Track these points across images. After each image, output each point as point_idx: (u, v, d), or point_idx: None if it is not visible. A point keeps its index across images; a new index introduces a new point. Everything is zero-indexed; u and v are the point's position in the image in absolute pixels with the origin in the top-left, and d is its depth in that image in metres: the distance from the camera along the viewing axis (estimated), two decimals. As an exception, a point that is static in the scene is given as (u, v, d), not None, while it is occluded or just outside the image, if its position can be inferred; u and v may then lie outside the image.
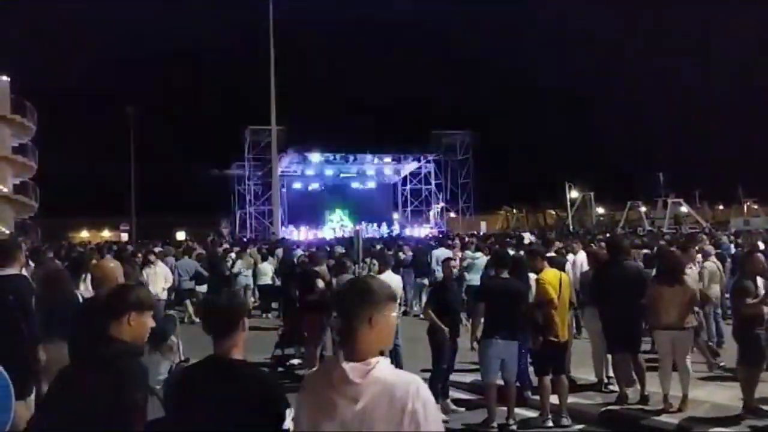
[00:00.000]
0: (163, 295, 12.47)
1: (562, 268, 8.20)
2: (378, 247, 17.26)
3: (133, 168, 44.26)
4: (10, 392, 3.71)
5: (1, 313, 5.18)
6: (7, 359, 4.05)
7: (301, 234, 38.10)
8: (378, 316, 2.26)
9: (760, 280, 6.99)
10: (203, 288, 15.39)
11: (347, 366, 2.20)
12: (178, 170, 70.75)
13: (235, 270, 16.38)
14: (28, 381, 5.09)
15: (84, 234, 59.81)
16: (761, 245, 14.45)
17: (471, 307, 8.23)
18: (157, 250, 18.32)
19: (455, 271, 10.21)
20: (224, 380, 2.70)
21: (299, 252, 16.38)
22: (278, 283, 15.13)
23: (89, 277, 7.06)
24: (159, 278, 12.42)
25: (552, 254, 9.73)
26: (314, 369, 2.67)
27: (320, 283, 9.22)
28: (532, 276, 7.51)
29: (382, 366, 2.21)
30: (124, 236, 44.62)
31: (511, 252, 10.57)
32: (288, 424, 2.54)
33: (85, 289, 6.85)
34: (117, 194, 50.35)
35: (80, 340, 3.80)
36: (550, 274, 7.10)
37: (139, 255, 14.27)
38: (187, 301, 14.65)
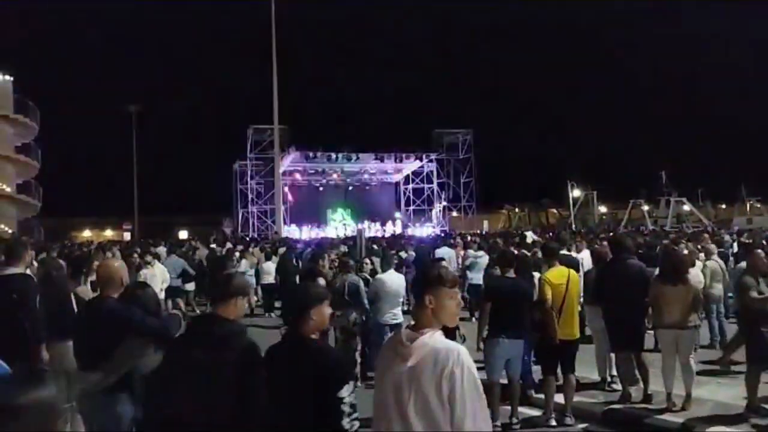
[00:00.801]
0: (161, 296, 12.00)
1: (575, 267, 8.18)
2: (375, 246, 17.22)
3: (135, 167, 44.36)
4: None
5: (4, 312, 5.20)
6: (11, 357, 4.06)
7: (303, 233, 38.11)
8: (433, 297, 2.77)
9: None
10: (191, 286, 15.60)
11: (404, 332, 2.77)
12: (180, 169, 70.86)
13: (240, 269, 16.39)
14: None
15: (87, 233, 59.87)
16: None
17: (473, 306, 8.23)
18: (160, 249, 18.38)
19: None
20: (299, 354, 3.20)
21: (308, 250, 16.39)
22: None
23: (90, 276, 7.12)
24: (157, 279, 12.12)
25: (566, 252, 9.71)
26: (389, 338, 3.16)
27: (321, 282, 9.23)
28: (536, 275, 7.50)
29: (433, 334, 2.70)
30: (127, 236, 44.70)
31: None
32: (345, 392, 3.03)
33: (85, 289, 6.88)
34: (120, 193, 50.47)
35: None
36: (555, 273, 7.08)
37: (135, 255, 13.90)
38: (178, 300, 14.62)
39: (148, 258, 13.04)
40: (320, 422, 3.03)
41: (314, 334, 3.32)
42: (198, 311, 12.78)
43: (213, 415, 3.05)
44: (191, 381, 3.11)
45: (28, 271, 5.93)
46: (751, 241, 14.89)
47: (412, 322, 2.81)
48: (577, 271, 8.18)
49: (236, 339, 3.29)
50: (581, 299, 7.95)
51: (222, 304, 3.45)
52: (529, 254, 9.98)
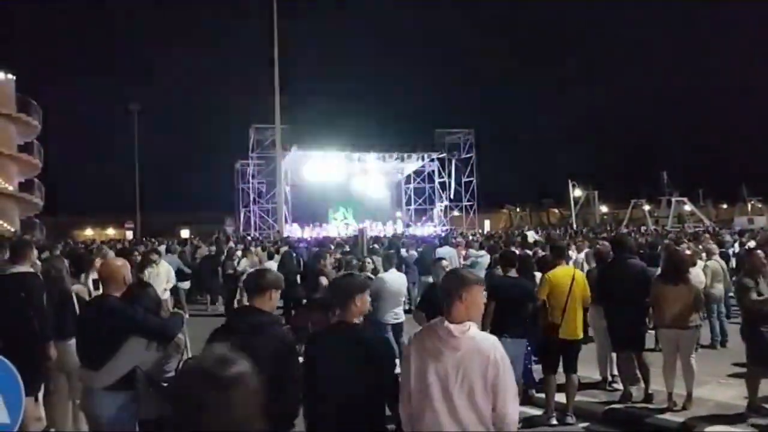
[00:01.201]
0: (165, 296, 11.77)
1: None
2: (377, 246, 17.22)
3: (137, 166, 44.41)
4: (20, 389, 3.75)
5: (11, 310, 5.22)
6: (17, 355, 4.09)
7: (305, 232, 38.11)
8: (466, 295, 3.24)
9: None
10: (186, 284, 15.61)
11: (451, 326, 3.18)
12: (182, 168, 70.88)
13: (240, 268, 16.41)
14: (38, 377, 5.13)
15: (89, 232, 59.96)
16: (752, 243, 14.46)
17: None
18: (162, 248, 18.39)
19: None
20: (348, 338, 3.62)
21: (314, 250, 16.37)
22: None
23: (91, 275, 7.14)
24: (161, 278, 11.92)
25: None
26: (419, 330, 3.50)
27: (324, 281, 9.25)
28: (538, 275, 7.50)
29: (474, 328, 3.22)
30: (129, 234, 44.73)
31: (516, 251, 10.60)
32: (398, 369, 3.46)
33: (82, 288, 6.89)
34: (122, 192, 50.51)
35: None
36: (559, 272, 7.09)
37: (137, 254, 13.65)
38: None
39: (154, 257, 12.66)
40: (378, 398, 3.48)
41: (357, 319, 3.74)
42: (187, 313, 12.34)
43: None
44: None
45: (32, 270, 5.95)
46: (754, 243, 14.90)
47: (446, 318, 3.25)
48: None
49: (270, 328, 3.73)
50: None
51: (258, 296, 3.88)
52: (530, 254, 10.00)
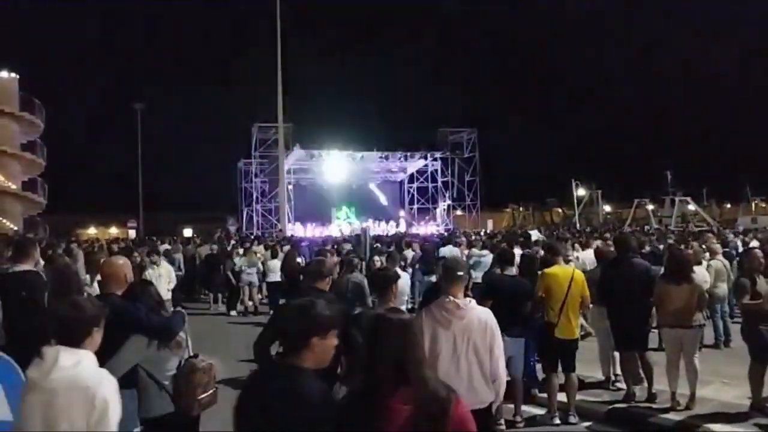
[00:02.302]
0: (167, 297, 11.12)
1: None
2: (380, 245, 17.22)
3: (140, 165, 44.46)
4: (23, 386, 3.74)
5: (15, 309, 5.22)
6: (21, 354, 4.08)
7: (307, 231, 38.13)
8: (466, 277, 4.58)
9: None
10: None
11: (458, 300, 4.30)
12: (185, 167, 70.96)
13: (236, 268, 16.45)
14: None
15: (92, 231, 60.02)
16: (754, 243, 14.44)
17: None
18: (164, 247, 18.40)
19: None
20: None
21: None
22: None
23: (97, 276, 7.13)
24: (163, 279, 11.71)
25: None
26: (430, 306, 4.39)
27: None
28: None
29: (473, 302, 4.38)
30: (132, 233, 44.80)
31: (519, 250, 10.58)
32: None
33: (91, 289, 6.91)
34: (125, 191, 50.59)
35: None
36: (556, 271, 7.07)
37: (136, 254, 13.50)
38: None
39: (155, 258, 12.52)
40: None
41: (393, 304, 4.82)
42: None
43: None
44: None
45: (36, 268, 5.94)
46: (757, 243, 14.86)
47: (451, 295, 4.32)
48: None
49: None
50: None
51: (320, 280, 5.09)
52: (535, 253, 9.97)
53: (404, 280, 9.04)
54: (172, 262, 16.04)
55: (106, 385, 2.92)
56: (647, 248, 12.58)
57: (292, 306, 2.77)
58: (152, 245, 17.45)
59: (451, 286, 4.38)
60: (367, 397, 2.47)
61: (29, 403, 2.90)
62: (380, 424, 2.40)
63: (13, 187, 37.52)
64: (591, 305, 7.80)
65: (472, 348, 4.19)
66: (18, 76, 38.76)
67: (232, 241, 22.44)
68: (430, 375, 2.62)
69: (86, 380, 2.88)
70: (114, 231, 59.34)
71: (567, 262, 9.00)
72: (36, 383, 2.90)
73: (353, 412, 2.46)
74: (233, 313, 16.21)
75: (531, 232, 20.51)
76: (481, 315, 4.28)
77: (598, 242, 12.70)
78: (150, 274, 11.44)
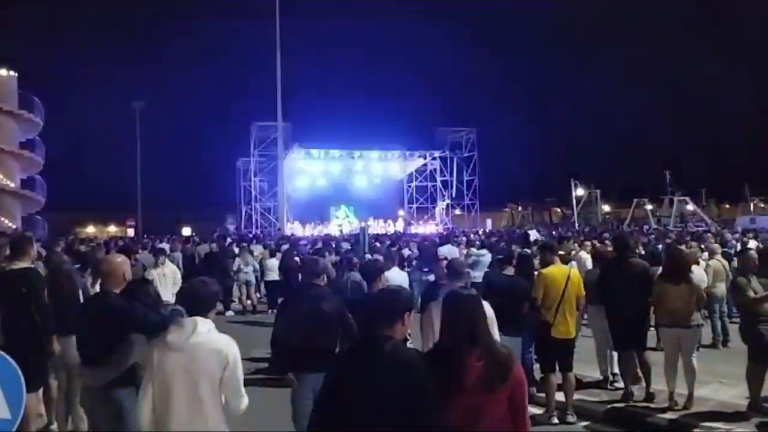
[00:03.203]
0: (173, 300, 10.46)
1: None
2: (379, 244, 17.24)
3: (139, 163, 44.41)
4: (21, 385, 3.74)
5: (14, 306, 5.22)
6: (19, 351, 4.09)
7: (306, 230, 38.15)
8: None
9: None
10: None
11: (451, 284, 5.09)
12: (184, 166, 70.96)
13: (234, 267, 16.45)
14: (40, 373, 5.14)
15: (90, 229, 60.02)
16: (753, 243, 14.46)
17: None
18: (162, 246, 18.36)
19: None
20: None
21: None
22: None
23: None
24: (167, 280, 11.02)
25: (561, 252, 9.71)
26: (437, 300, 4.51)
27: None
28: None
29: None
30: (131, 231, 44.77)
31: (517, 249, 10.58)
32: None
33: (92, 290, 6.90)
34: (124, 190, 50.49)
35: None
36: (553, 270, 7.08)
37: (139, 254, 13.19)
38: None
39: (161, 258, 11.74)
40: None
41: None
42: None
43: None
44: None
45: (33, 266, 5.95)
46: (755, 243, 14.86)
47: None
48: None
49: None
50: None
51: (315, 277, 5.56)
52: (530, 253, 9.98)
53: (402, 278, 9.06)
54: (171, 260, 16.00)
55: (233, 347, 3.68)
56: (640, 250, 12.60)
57: (388, 291, 3.47)
58: (150, 244, 17.43)
59: (457, 282, 5.25)
60: (448, 355, 3.13)
61: (173, 360, 3.57)
62: (460, 376, 3.05)
63: (12, 185, 37.50)
64: (590, 305, 7.83)
65: None
66: (17, 74, 38.71)
67: (228, 240, 22.42)
68: (493, 340, 3.33)
69: (219, 343, 3.65)
70: (113, 229, 59.36)
71: (568, 261, 9.02)
72: (178, 345, 3.59)
73: (438, 368, 3.05)
74: (229, 313, 16.14)
75: (529, 232, 20.52)
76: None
77: (593, 242, 12.71)
78: (154, 274, 10.92)
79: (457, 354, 3.11)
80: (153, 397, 3.63)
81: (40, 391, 5.64)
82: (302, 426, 5.02)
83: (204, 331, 3.65)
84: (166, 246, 17.84)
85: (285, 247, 17.97)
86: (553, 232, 28.77)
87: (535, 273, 7.56)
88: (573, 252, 12.84)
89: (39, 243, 16.29)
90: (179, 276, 11.75)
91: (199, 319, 3.70)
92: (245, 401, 3.74)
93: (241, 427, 4.31)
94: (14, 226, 34.61)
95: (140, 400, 3.67)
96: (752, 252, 7.64)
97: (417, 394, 2.96)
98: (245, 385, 3.78)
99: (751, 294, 6.80)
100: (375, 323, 3.21)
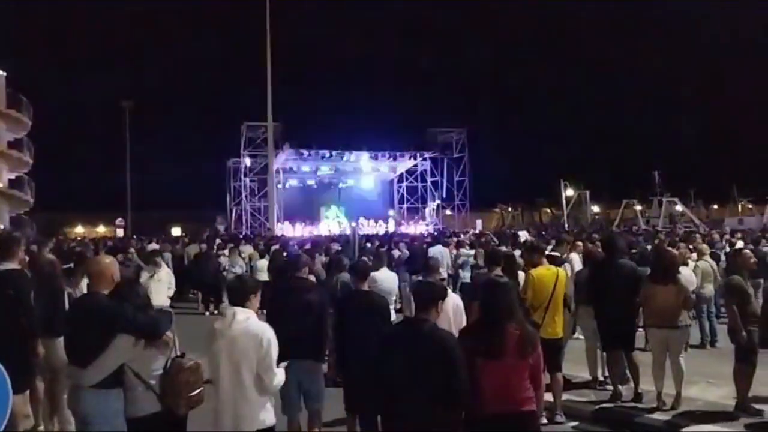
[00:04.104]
0: (167, 303, 10.40)
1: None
2: (369, 244, 17.23)
3: (128, 163, 44.22)
4: (7, 387, 3.72)
5: (0, 307, 5.18)
6: (6, 353, 4.06)
7: (296, 231, 38.06)
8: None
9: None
10: None
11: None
12: (174, 166, 70.70)
13: (222, 267, 16.41)
14: (26, 375, 5.10)
15: (79, 229, 59.64)
16: (740, 243, 14.55)
17: (466, 304, 8.20)
18: (152, 246, 18.28)
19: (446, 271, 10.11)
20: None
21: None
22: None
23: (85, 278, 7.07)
24: (162, 284, 10.59)
25: (553, 253, 9.74)
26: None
27: (312, 278, 9.21)
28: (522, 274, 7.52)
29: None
30: (120, 231, 44.54)
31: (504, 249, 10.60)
32: None
33: (78, 290, 6.86)
34: (113, 189, 50.28)
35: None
36: (540, 271, 7.09)
37: (132, 251, 13.00)
38: None
39: (158, 259, 11.30)
40: None
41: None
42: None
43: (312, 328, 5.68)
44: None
45: (20, 267, 5.90)
46: (742, 243, 14.94)
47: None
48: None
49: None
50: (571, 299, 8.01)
51: (298, 271, 6.08)
52: (514, 253, 10.00)
53: (393, 279, 9.05)
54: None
55: (268, 332, 4.30)
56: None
57: (425, 284, 4.62)
58: (141, 244, 17.34)
59: (431, 277, 6.26)
60: (490, 328, 4.05)
61: (218, 346, 4.24)
62: (503, 344, 3.98)
63: (0, 185, 37.20)
64: (579, 305, 7.85)
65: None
66: (5, 74, 38.42)
67: (218, 241, 22.34)
68: (524, 317, 4.40)
69: (255, 329, 4.26)
70: (102, 229, 59.02)
71: (563, 263, 9.05)
72: (222, 332, 4.25)
73: (482, 338, 4.03)
74: (207, 313, 16.04)
75: (520, 233, 20.57)
76: (455, 300, 6.02)
77: (583, 243, 12.75)
78: (148, 278, 10.45)
79: (500, 327, 4.01)
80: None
81: (27, 392, 5.60)
82: (292, 414, 5.64)
83: (242, 318, 4.27)
84: (155, 246, 17.76)
85: (275, 247, 17.92)
86: (543, 233, 28.83)
87: (520, 273, 7.59)
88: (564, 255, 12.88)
89: (30, 241, 16.17)
90: (173, 280, 11.41)
91: (238, 308, 4.32)
92: (278, 378, 4.32)
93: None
94: (2, 227, 34.34)
95: None
96: (747, 252, 7.68)
97: (450, 364, 3.79)
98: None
99: (751, 292, 6.85)
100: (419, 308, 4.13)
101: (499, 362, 3.96)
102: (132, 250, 15.92)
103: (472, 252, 14.02)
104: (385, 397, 3.99)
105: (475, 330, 4.23)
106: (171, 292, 11.10)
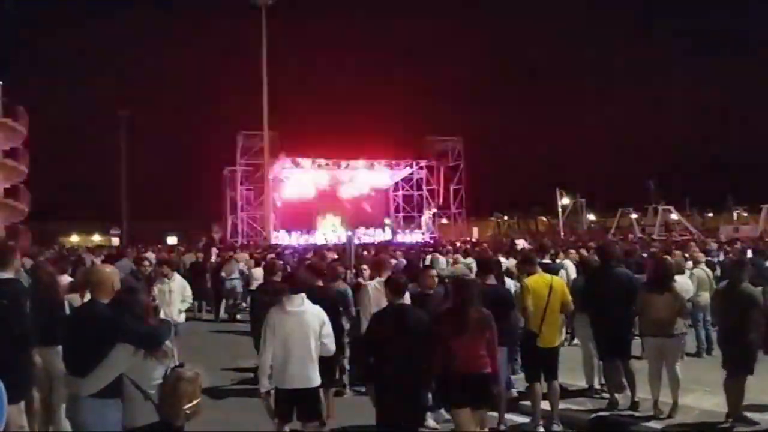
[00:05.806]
0: (181, 318, 9.70)
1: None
2: (365, 253, 17.24)
3: (124, 172, 44.21)
4: (2, 397, 3.71)
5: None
6: (1, 363, 4.05)
7: (292, 239, 38.03)
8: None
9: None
10: None
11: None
12: (170, 175, 70.62)
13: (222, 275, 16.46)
14: (21, 385, 5.07)
15: (74, 238, 59.46)
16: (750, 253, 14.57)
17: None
18: (149, 255, 18.22)
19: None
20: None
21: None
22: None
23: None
24: (175, 296, 9.63)
25: (546, 261, 9.77)
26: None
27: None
28: (509, 281, 7.53)
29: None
30: (115, 240, 44.46)
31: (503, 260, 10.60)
32: None
33: (77, 296, 6.84)
34: (108, 199, 50.19)
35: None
36: (535, 279, 7.10)
37: (147, 263, 12.77)
38: None
39: (165, 270, 10.01)
40: None
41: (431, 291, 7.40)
42: None
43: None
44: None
45: (16, 277, 5.87)
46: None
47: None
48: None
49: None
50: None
51: (273, 276, 7.60)
52: (498, 260, 10.05)
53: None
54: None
55: (323, 312, 5.69)
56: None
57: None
58: (138, 253, 17.33)
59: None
60: (459, 311, 5.43)
61: (291, 323, 5.50)
62: (467, 323, 5.33)
63: (-5, 194, 37.10)
64: (575, 313, 7.84)
65: None
66: (1, 83, 38.40)
67: (214, 249, 22.31)
68: (480, 305, 5.52)
69: (315, 308, 5.68)
70: (97, 238, 58.86)
71: (557, 271, 9.07)
72: (293, 312, 5.54)
73: (453, 319, 5.41)
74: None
75: (517, 242, 20.59)
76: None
77: (578, 251, 12.81)
78: (160, 289, 9.53)
79: (466, 310, 5.39)
80: (273, 354, 5.44)
81: (22, 402, 5.57)
82: None
83: (306, 301, 5.66)
84: (152, 255, 17.70)
85: (270, 256, 17.92)
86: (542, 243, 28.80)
87: (508, 280, 7.60)
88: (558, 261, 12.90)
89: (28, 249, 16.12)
90: (189, 291, 10.15)
91: (302, 294, 5.67)
92: (334, 345, 5.72)
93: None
94: (-3, 236, 34.22)
95: (261, 356, 5.56)
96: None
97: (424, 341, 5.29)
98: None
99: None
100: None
101: (465, 336, 5.30)
102: (150, 254, 15.80)
103: (469, 260, 14.01)
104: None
105: (447, 314, 5.56)
106: (185, 306, 10.04)
